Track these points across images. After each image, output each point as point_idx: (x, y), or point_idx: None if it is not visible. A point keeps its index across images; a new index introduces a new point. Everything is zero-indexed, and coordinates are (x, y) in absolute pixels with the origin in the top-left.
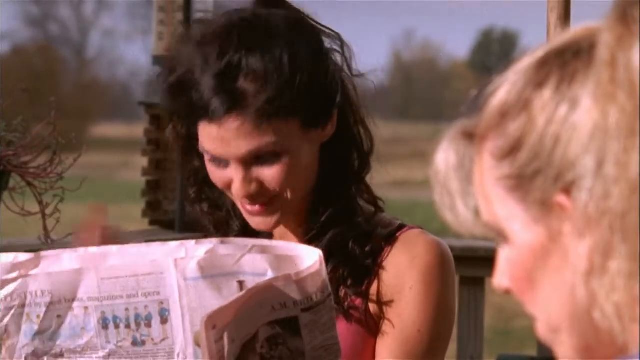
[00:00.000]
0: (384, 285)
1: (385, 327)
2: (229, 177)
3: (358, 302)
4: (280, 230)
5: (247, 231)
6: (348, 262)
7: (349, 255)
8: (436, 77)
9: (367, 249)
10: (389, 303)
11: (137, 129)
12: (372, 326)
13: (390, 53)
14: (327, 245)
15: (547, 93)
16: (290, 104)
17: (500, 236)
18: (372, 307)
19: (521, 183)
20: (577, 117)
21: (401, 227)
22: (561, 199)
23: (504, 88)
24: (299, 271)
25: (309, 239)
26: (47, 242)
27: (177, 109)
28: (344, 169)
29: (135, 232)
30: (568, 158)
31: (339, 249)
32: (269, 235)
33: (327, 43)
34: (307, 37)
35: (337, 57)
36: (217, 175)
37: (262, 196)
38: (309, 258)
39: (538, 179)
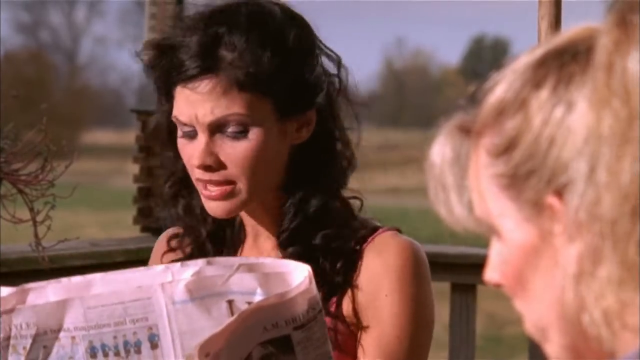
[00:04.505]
0: (359, 296)
1: (365, 336)
2: (194, 150)
3: (327, 320)
4: (256, 228)
5: (216, 237)
6: (318, 278)
7: (319, 271)
8: (428, 84)
9: (338, 265)
10: (366, 312)
11: (129, 136)
12: (343, 344)
13: (381, 60)
14: (297, 259)
15: (544, 94)
16: (265, 81)
17: (493, 232)
18: (349, 321)
19: (515, 182)
20: (572, 121)
21: (374, 229)
22: (552, 200)
23: (502, 85)
24: (289, 290)
25: (281, 244)
26: (38, 249)
27: (157, 75)
28: (317, 178)
29: (127, 238)
30: (562, 161)
31: (308, 264)
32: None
33: (327, 66)
34: (300, 30)
35: (335, 80)
36: (185, 151)
37: (217, 173)
38: (297, 274)
39: (532, 179)
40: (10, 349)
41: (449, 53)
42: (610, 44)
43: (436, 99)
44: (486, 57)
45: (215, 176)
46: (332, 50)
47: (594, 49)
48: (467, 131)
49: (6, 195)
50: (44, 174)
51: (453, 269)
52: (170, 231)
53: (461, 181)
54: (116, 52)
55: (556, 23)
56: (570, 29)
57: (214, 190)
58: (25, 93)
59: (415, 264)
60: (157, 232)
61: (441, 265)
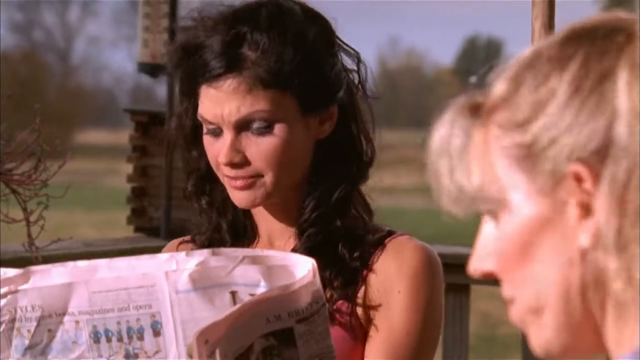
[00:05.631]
0: (372, 290)
1: (374, 331)
2: (220, 147)
3: (343, 306)
4: (271, 225)
5: (236, 229)
6: (336, 264)
7: (338, 258)
8: (421, 83)
9: (356, 254)
10: (377, 307)
11: (122, 136)
12: (357, 331)
13: (375, 60)
14: (316, 245)
15: (573, 66)
16: (288, 77)
17: (491, 210)
18: (360, 311)
19: (531, 153)
20: (610, 88)
21: (390, 233)
22: (578, 168)
23: (517, 65)
24: (293, 283)
25: (300, 233)
26: (31, 249)
27: (182, 76)
28: (340, 173)
29: (121, 238)
30: (591, 127)
31: (327, 250)
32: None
33: (346, 62)
34: (320, 28)
35: (354, 76)
36: (211, 148)
37: (244, 169)
38: (301, 267)
39: (551, 148)
40: (15, 332)
41: (443, 53)
42: None
43: (430, 98)
44: (479, 57)
45: (242, 172)
46: (351, 47)
47: (634, 26)
48: (476, 108)
49: None
50: (37, 173)
51: (447, 269)
52: (178, 240)
53: (465, 157)
54: (110, 52)
55: (549, 23)
56: (596, 15)
57: (239, 180)
58: (19, 93)
59: (429, 266)
60: (150, 232)
61: None
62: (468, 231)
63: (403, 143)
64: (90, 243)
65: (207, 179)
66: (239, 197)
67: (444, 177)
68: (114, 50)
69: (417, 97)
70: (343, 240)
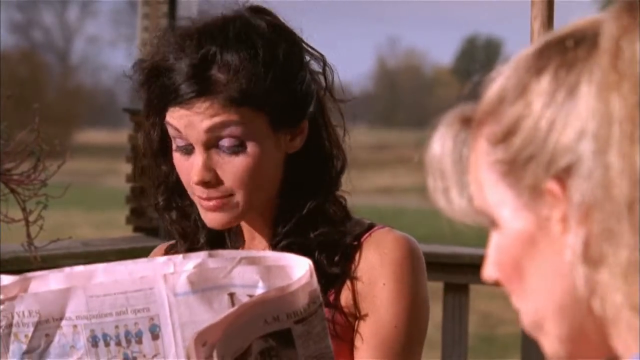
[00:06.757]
0: (357, 288)
1: (362, 326)
2: (192, 166)
3: (325, 311)
4: (248, 235)
5: (213, 242)
6: (315, 271)
7: (316, 265)
8: (421, 83)
9: (335, 258)
10: (364, 302)
11: (122, 136)
12: (341, 333)
13: (375, 60)
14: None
15: (545, 79)
16: (260, 96)
17: (491, 222)
18: (347, 312)
19: (514, 168)
20: (575, 103)
21: (370, 227)
22: (552, 185)
23: (504, 75)
24: (290, 284)
25: (274, 246)
26: (30, 249)
27: (149, 96)
28: (313, 183)
29: (120, 238)
30: (562, 144)
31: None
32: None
33: (312, 65)
34: (287, 42)
35: (320, 79)
36: (182, 166)
37: (215, 189)
38: (299, 268)
39: (531, 164)
40: (12, 337)
41: (442, 53)
42: (617, 29)
43: (429, 98)
44: (479, 57)
45: (213, 192)
46: (316, 50)
47: (600, 35)
48: (467, 122)
49: None
50: (36, 173)
51: (446, 269)
52: (165, 244)
53: (461, 171)
54: (109, 51)
55: (548, 23)
56: (575, 20)
57: (212, 201)
58: (18, 93)
59: (412, 257)
60: (150, 232)
61: (434, 265)
62: (468, 231)
63: (402, 143)
64: (89, 243)
65: (177, 192)
66: (211, 218)
67: (441, 197)
68: (113, 50)
69: (417, 97)
70: (319, 248)
